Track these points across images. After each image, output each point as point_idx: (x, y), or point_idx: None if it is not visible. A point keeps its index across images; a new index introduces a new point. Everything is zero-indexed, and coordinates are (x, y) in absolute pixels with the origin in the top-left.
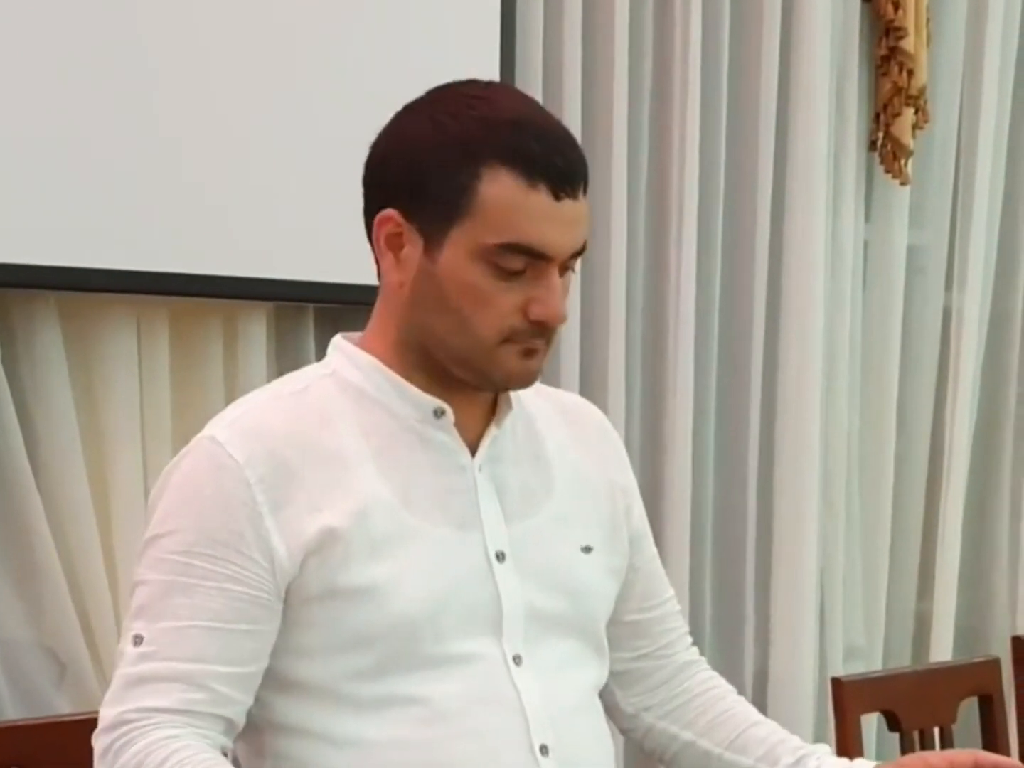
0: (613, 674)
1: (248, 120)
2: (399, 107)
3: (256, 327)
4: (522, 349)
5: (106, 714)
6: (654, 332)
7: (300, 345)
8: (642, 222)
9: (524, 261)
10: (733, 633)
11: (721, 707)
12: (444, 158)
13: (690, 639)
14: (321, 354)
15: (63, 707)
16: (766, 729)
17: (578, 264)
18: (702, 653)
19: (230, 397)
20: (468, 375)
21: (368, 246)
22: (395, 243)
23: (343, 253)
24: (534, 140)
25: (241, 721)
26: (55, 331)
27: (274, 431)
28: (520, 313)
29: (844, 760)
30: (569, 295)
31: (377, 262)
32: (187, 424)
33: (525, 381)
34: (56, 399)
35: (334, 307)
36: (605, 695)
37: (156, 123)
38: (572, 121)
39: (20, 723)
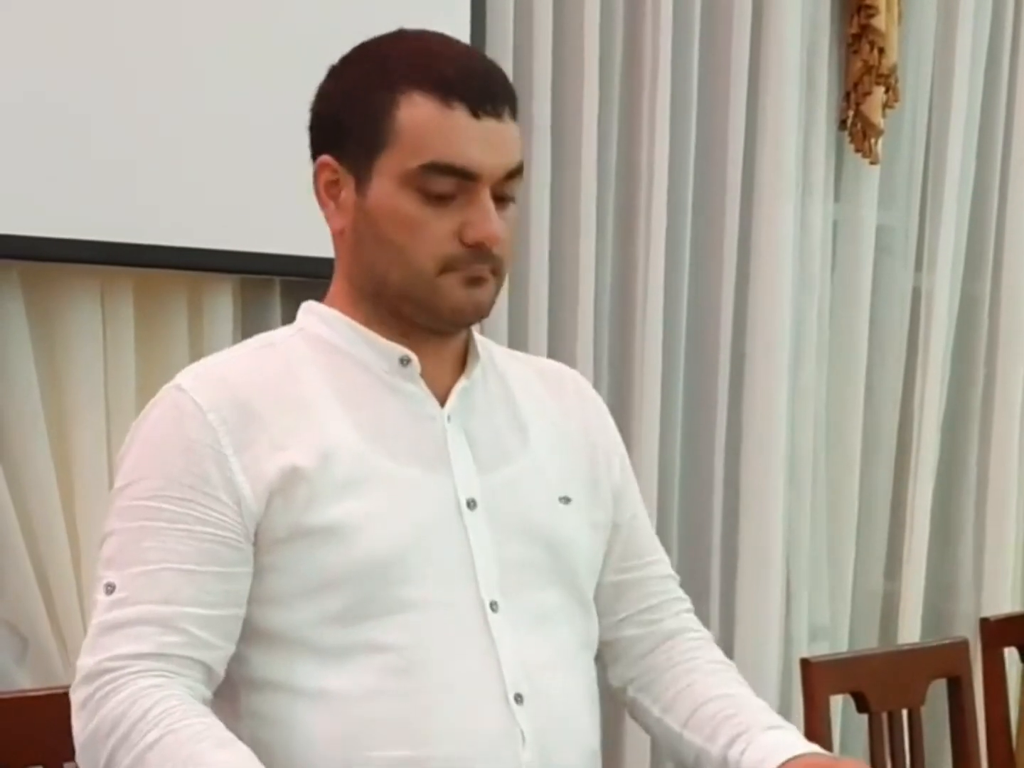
0: (601, 644)
1: (216, 93)
2: None
3: (222, 299)
4: (465, 277)
5: (83, 664)
6: (622, 310)
7: (266, 318)
8: (611, 200)
9: (451, 183)
10: (698, 612)
11: (686, 681)
12: (362, 94)
13: (684, 606)
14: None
15: (25, 682)
16: (717, 705)
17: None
18: None
19: None
20: (416, 312)
21: None
22: (333, 190)
23: (310, 226)
24: (449, 65)
25: (221, 670)
26: (18, 301)
27: (238, 377)
28: (455, 239)
29: (777, 741)
30: (519, 229)
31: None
32: (151, 396)
33: (475, 312)
34: (18, 370)
35: (301, 280)
36: (599, 670)
37: (124, 94)
38: (541, 91)
39: None
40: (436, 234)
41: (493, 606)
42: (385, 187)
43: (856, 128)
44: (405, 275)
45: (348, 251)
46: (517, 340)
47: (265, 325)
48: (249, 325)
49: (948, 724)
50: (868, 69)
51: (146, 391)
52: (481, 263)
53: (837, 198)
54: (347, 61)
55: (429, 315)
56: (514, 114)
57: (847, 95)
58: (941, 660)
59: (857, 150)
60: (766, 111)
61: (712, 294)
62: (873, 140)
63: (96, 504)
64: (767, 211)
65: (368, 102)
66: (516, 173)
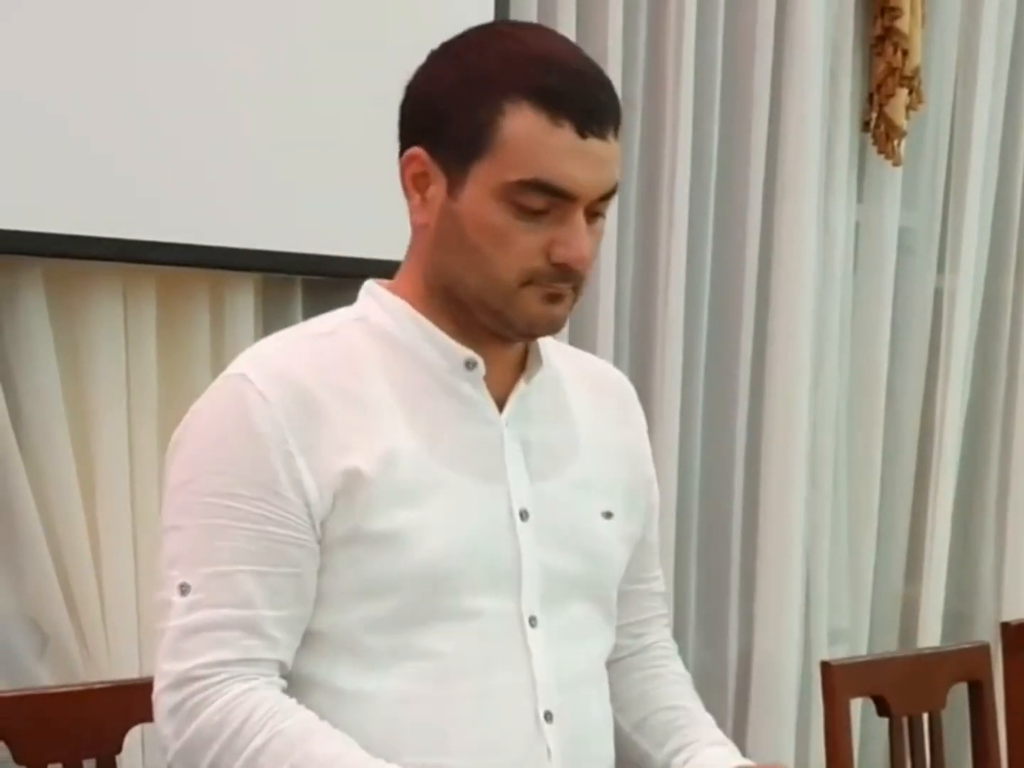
0: None
1: (238, 90)
2: (388, 76)
3: (243, 298)
4: (545, 293)
5: (169, 670)
6: (643, 312)
7: (288, 317)
8: (633, 201)
9: (546, 200)
10: (718, 615)
11: (645, 687)
12: (467, 94)
13: (664, 621)
14: None
15: (44, 678)
16: (670, 715)
17: (610, 210)
18: (686, 636)
19: (217, 368)
20: (489, 319)
21: (358, 218)
22: (421, 183)
23: (332, 225)
24: (560, 76)
25: (291, 662)
26: (40, 299)
27: (303, 372)
28: (543, 255)
29: (717, 756)
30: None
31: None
32: (173, 395)
33: (549, 327)
34: (41, 367)
35: (322, 279)
36: None
37: (145, 92)
38: None
39: (2, 694)
40: (524, 248)
41: (532, 621)
42: (479, 195)
43: (879, 130)
44: (485, 283)
45: (427, 247)
46: None
47: (286, 324)
48: (270, 323)
49: (969, 728)
50: (891, 71)
51: (167, 389)
52: (564, 281)
53: (860, 199)
54: (452, 51)
55: (502, 324)
56: (617, 132)
57: (870, 97)
58: (962, 664)
59: (880, 152)
60: (789, 113)
61: (734, 294)
62: (896, 142)
63: (117, 501)
64: (790, 212)
65: (472, 103)
66: (612, 194)
